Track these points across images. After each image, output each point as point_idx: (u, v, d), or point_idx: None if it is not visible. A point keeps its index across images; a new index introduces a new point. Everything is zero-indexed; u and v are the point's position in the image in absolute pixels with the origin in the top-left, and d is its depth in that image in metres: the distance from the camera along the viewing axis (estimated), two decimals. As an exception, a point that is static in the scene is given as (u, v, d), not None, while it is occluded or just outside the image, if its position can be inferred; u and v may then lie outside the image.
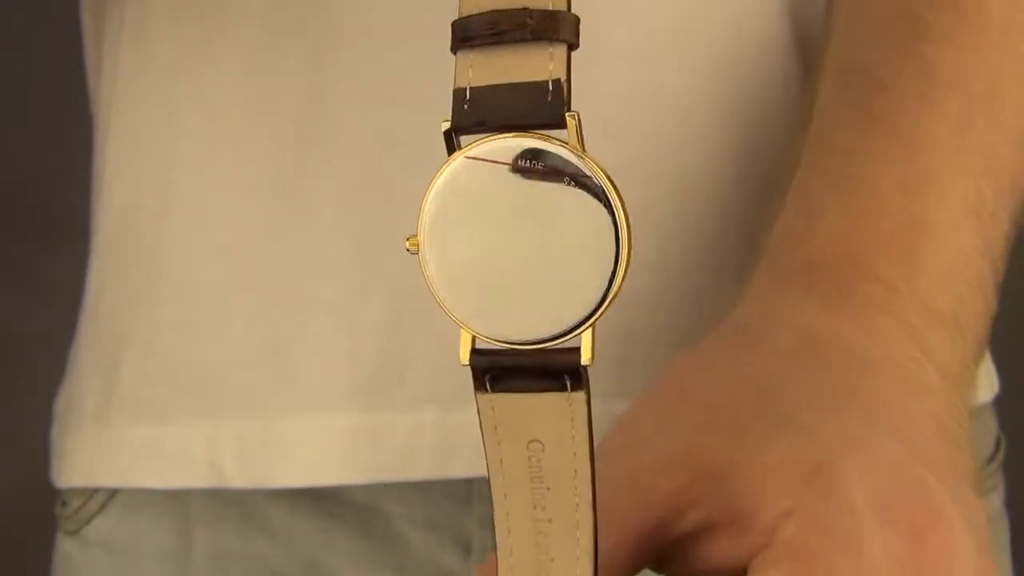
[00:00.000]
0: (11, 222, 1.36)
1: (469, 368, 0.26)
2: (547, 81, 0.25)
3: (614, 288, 0.25)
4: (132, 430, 0.50)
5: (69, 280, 0.63)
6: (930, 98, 0.40)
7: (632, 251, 0.25)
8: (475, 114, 0.25)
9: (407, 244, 0.25)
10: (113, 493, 0.52)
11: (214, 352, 0.49)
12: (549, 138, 0.25)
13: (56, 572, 0.55)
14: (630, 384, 0.43)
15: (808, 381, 0.34)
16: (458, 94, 0.25)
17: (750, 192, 0.48)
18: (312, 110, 0.48)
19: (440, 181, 0.25)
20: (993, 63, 0.41)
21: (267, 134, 0.48)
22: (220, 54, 0.49)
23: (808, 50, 0.49)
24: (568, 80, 0.25)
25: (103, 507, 0.52)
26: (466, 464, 0.46)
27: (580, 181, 0.24)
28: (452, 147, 0.25)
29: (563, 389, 0.25)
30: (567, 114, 0.24)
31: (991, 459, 0.55)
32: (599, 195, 0.24)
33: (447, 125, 0.25)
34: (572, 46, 0.25)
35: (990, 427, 0.56)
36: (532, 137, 0.25)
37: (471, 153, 0.25)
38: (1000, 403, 0.56)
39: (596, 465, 0.27)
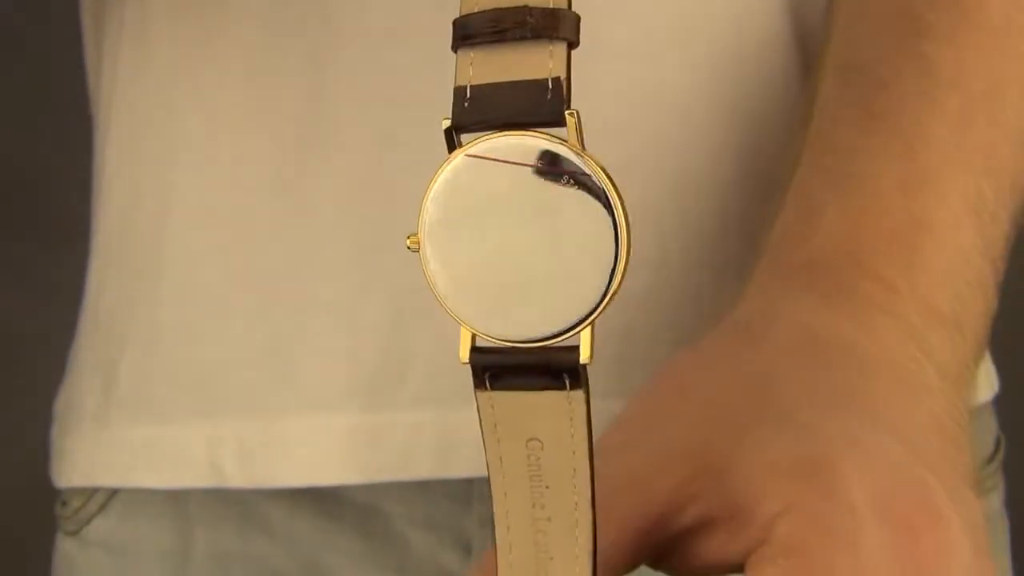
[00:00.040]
0: (11, 222, 1.36)
1: (469, 366, 0.26)
2: (547, 79, 0.25)
3: (613, 286, 0.25)
4: (132, 430, 0.50)
5: (69, 280, 0.63)
6: (931, 96, 0.40)
7: (631, 249, 0.25)
8: (475, 112, 0.25)
9: (408, 242, 0.26)
10: (113, 493, 0.52)
11: (214, 352, 0.49)
12: (549, 136, 0.25)
13: (56, 572, 0.55)
14: (630, 383, 0.43)
15: (808, 380, 0.34)
16: (459, 92, 0.25)
17: (750, 190, 0.48)
18: (312, 110, 0.48)
19: (441, 179, 0.25)
20: (994, 62, 0.41)
21: (267, 134, 0.48)
22: (220, 54, 0.49)
23: (808, 48, 0.49)
24: (568, 78, 0.25)
25: (103, 507, 0.52)
26: (466, 464, 0.46)
27: (579, 179, 0.24)
28: (452, 145, 0.25)
29: (562, 387, 0.25)
30: (566, 112, 0.24)
31: (991, 459, 0.55)
32: (598, 193, 0.24)
33: (448, 123, 0.25)
34: (572, 44, 0.25)
35: (990, 427, 0.56)
36: (532, 135, 0.25)
37: (472, 151, 0.25)
38: (1000, 403, 0.56)
39: (595, 462, 0.27)
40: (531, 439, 0.27)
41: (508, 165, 0.25)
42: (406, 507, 0.49)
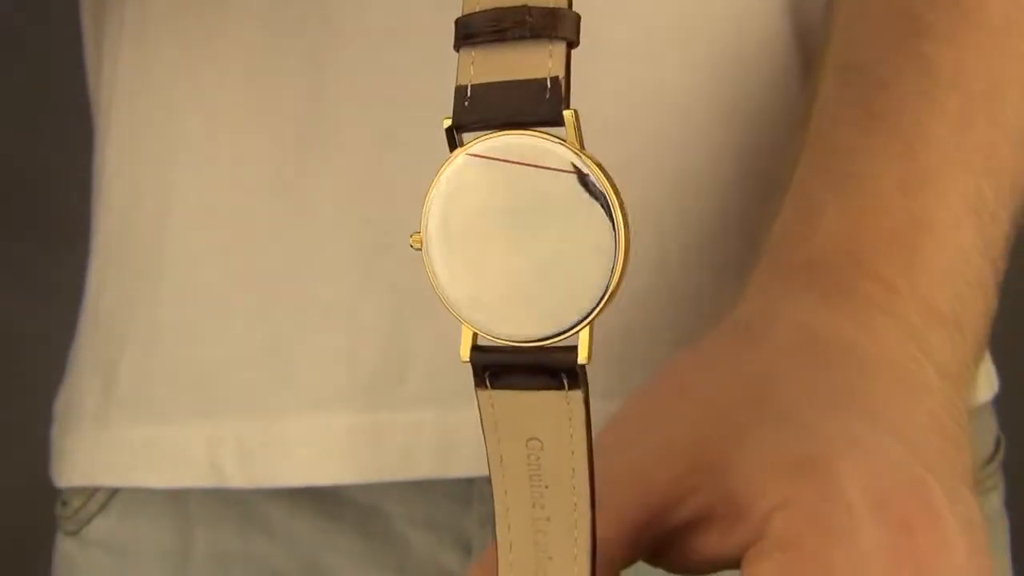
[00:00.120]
0: (11, 222, 1.36)
1: (469, 365, 0.26)
2: (546, 79, 0.25)
3: (612, 286, 0.25)
4: (132, 430, 0.50)
5: (69, 280, 0.63)
6: (930, 96, 0.40)
7: (630, 250, 0.25)
8: (476, 111, 0.25)
9: (411, 241, 0.26)
10: (113, 493, 0.52)
11: (214, 352, 0.49)
12: (549, 136, 0.25)
13: (56, 572, 0.55)
14: (630, 383, 0.43)
15: (808, 380, 0.34)
16: (459, 91, 0.25)
17: (750, 190, 0.48)
18: (312, 110, 0.48)
19: (442, 178, 0.25)
20: (994, 62, 0.41)
21: (267, 134, 0.48)
22: (220, 54, 0.49)
23: (808, 48, 0.49)
24: (567, 77, 0.25)
25: (103, 507, 0.52)
26: (466, 463, 0.46)
27: (578, 179, 0.24)
28: (454, 144, 0.25)
29: (560, 388, 0.26)
30: (565, 111, 0.24)
31: (991, 459, 0.55)
32: (597, 193, 0.24)
33: (448, 122, 0.25)
34: (572, 44, 0.25)
35: (990, 427, 0.56)
36: (531, 135, 0.25)
37: (472, 150, 0.25)
38: (1000, 403, 0.56)
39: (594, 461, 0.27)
40: (531, 439, 0.27)
41: (508, 164, 0.25)
42: (406, 507, 0.49)
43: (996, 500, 0.55)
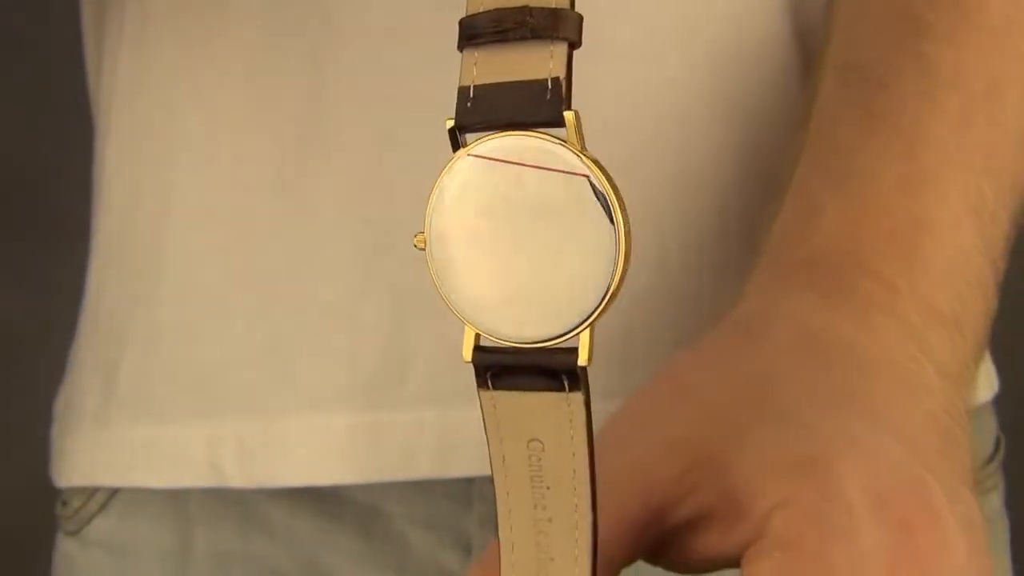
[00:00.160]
0: (11, 222, 1.36)
1: (471, 365, 0.26)
2: (546, 79, 0.25)
3: (612, 288, 0.25)
4: (132, 430, 0.50)
5: (69, 280, 0.63)
6: (931, 96, 0.40)
7: (631, 251, 0.25)
8: (478, 112, 0.25)
9: (415, 241, 0.26)
10: (113, 493, 0.52)
11: (214, 352, 0.49)
12: (549, 137, 0.25)
13: (56, 572, 0.55)
14: (630, 383, 0.43)
15: (808, 380, 0.34)
16: (462, 92, 0.25)
17: (751, 190, 0.48)
18: (312, 110, 0.48)
19: (445, 179, 0.25)
20: (994, 62, 0.41)
21: (267, 134, 0.48)
22: (220, 54, 0.49)
23: (808, 48, 0.49)
24: (568, 78, 0.25)
25: (103, 507, 0.52)
26: (466, 463, 0.46)
27: (579, 180, 0.25)
28: (456, 144, 0.25)
29: (561, 389, 0.26)
30: (565, 112, 0.24)
31: (991, 459, 0.55)
32: (598, 194, 0.24)
33: (451, 123, 0.25)
34: (574, 44, 0.25)
35: (990, 427, 0.56)
36: (533, 135, 0.25)
37: (475, 151, 0.25)
38: (1000, 403, 0.56)
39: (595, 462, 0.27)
40: (532, 440, 0.27)
41: (509, 165, 0.25)
42: (406, 507, 0.49)
43: (996, 500, 0.55)
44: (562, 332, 0.25)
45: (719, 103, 0.48)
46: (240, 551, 0.50)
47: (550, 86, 0.25)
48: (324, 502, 0.49)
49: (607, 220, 0.24)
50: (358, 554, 0.49)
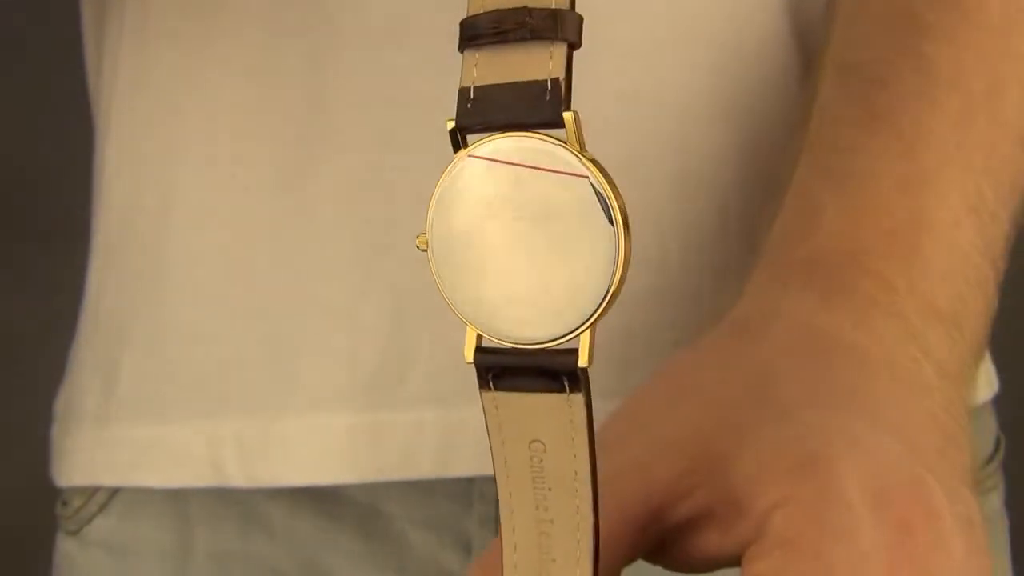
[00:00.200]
0: (11, 222, 1.36)
1: (473, 366, 0.26)
2: (546, 80, 0.25)
3: (612, 289, 0.25)
4: (132, 429, 0.50)
5: (69, 280, 0.63)
6: (930, 96, 0.40)
7: (630, 252, 0.25)
8: (478, 113, 0.25)
9: (417, 241, 0.26)
10: (114, 493, 0.52)
11: (214, 352, 0.49)
12: (549, 138, 0.25)
13: (56, 572, 0.55)
14: (630, 383, 0.43)
15: (808, 379, 0.34)
16: (463, 93, 0.25)
17: (750, 190, 0.48)
18: (312, 110, 0.48)
19: (447, 180, 0.25)
20: (993, 62, 0.41)
21: (267, 134, 0.48)
22: (220, 54, 0.49)
23: (808, 47, 0.49)
24: (568, 79, 0.25)
25: (103, 507, 0.52)
26: (466, 463, 0.46)
27: (579, 181, 0.25)
28: (457, 145, 0.25)
29: (562, 390, 0.26)
30: (565, 113, 0.24)
31: (991, 459, 0.55)
32: (597, 195, 0.24)
33: (452, 124, 0.25)
34: (574, 45, 0.25)
35: (990, 427, 0.56)
36: (532, 136, 0.25)
37: (476, 152, 0.25)
38: (1000, 403, 0.56)
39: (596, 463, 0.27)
40: (534, 441, 0.27)
41: (509, 167, 0.25)
42: (406, 507, 0.49)
43: (996, 500, 0.55)
44: (562, 333, 0.25)
45: (719, 103, 0.48)
46: (240, 551, 0.50)
47: (549, 87, 0.25)
48: (324, 502, 0.49)
49: (607, 221, 0.24)
50: (358, 554, 0.49)
